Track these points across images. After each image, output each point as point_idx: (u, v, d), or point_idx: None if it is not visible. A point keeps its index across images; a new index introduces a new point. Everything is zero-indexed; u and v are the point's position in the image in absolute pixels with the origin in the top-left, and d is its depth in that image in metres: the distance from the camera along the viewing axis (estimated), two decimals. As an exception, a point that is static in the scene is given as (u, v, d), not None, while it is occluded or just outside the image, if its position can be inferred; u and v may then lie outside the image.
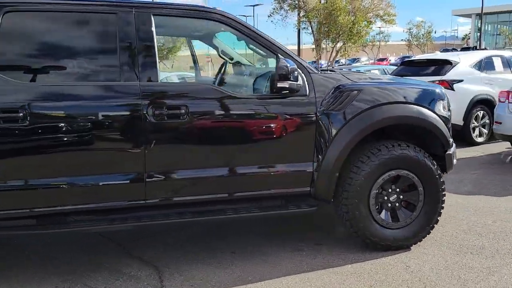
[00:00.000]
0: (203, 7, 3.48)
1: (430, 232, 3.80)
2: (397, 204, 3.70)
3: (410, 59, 10.30)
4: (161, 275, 3.38)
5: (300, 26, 29.05)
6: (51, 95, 3.04)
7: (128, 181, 3.21)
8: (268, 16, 32.75)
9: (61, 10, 3.18)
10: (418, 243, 3.78)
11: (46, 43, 3.18)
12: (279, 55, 3.39)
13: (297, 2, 27.57)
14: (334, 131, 3.48)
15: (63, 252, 3.82)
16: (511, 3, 54.68)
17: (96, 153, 3.16)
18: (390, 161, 3.57)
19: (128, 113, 3.14)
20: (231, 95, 3.35)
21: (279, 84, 3.23)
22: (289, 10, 28.84)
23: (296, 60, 3.44)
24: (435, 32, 54.00)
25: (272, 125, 3.42)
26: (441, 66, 8.28)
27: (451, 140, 3.84)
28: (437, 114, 3.74)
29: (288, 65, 3.20)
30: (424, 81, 4.75)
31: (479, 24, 53.62)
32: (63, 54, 3.19)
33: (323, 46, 30.23)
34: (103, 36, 3.22)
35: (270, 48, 3.48)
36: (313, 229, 4.25)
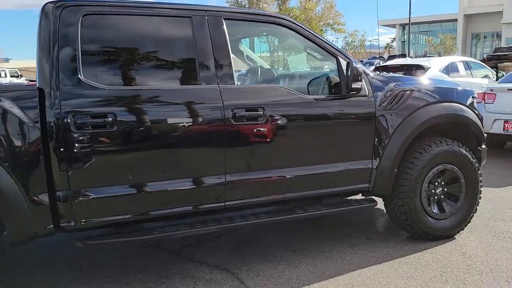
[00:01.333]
0: (272, 13, 3.56)
1: (471, 221, 4.10)
2: (442, 196, 3.97)
3: (383, 64, 10.86)
4: (237, 276, 3.39)
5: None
6: (137, 100, 2.99)
7: (210, 184, 3.20)
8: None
9: (138, 13, 3.13)
10: (461, 232, 4.07)
11: (128, 47, 3.12)
12: (339, 58, 3.56)
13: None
14: (391, 129, 3.69)
15: (121, 262, 3.70)
16: (429, 14, 58.79)
17: (181, 156, 3.13)
18: (438, 156, 3.83)
19: (210, 116, 3.14)
20: (302, 97, 3.45)
21: (354, 85, 3.39)
22: None
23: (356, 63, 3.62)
24: (368, 41, 56.65)
25: (339, 125, 3.57)
26: (415, 70, 8.84)
27: (485, 135, 4.19)
28: (473, 111, 4.07)
29: (360, 67, 3.37)
30: (453, 81, 5.10)
31: (402, 33, 57.21)
32: (144, 58, 3.15)
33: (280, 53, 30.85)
34: (181, 40, 3.22)
35: (331, 51, 3.63)
36: (352, 226, 4.43)
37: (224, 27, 3.30)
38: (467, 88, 4.33)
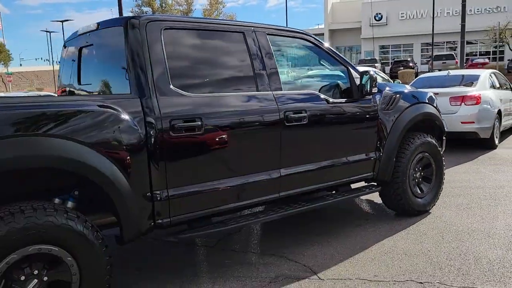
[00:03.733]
0: (299, 30, 4.14)
1: (439, 198, 5.11)
2: (420, 179, 4.91)
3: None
4: (288, 257, 3.87)
5: None
6: (216, 105, 3.35)
7: (269, 177, 3.66)
8: None
9: (206, 28, 3.50)
10: (433, 207, 5.05)
11: (202, 58, 3.45)
12: (349, 68, 4.29)
13: None
14: (389, 126, 4.51)
15: (180, 259, 3.94)
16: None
17: (250, 153, 3.55)
18: (419, 147, 4.76)
19: (270, 118, 3.61)
20: (329, 100, 4.08)
21: (374, 90, 4.13)
22: None
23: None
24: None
25: (355, 123, 4.28)
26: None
27: (445, 128, 5.26)
28: (437, 109, 5.11)
29: (374, 75, 4.13)
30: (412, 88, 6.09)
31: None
32: (215, 67, 3.51)
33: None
34: (239, 52, 3.63)
35: (342, 62, 4.34)
36: (347, 212, 5.18)
37: (268, 41, 3.81)
38: (433, 94, 5.34)
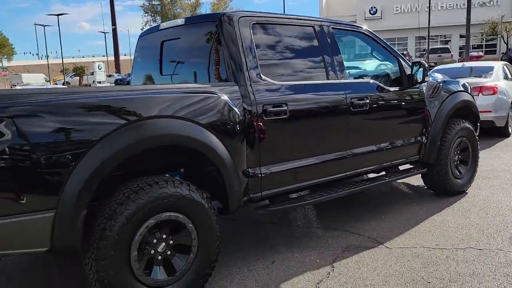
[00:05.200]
0: (357, 24, 4.52)
1: (474, 180, 5.54)
2: (458, 162, 5.33)
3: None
4: (351, 231, 4.27)
5: None
6: (298, 92, 3.73)
7: (339, 157, 4.05)
8: (141, 29, 33.47)
9: (285, 23, 3.87)
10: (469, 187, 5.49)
11: (284, 49, 3.82)
12: (399, 58, 4.69)
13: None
14: (434, 112, 4.92)
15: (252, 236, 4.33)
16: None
17: (325, 135, 3.94)
18: (459, 132, 5.17)
19: (339, 105, 4.00)
20: (386, 88, 4.47)
21: (426, 78, 4.53)
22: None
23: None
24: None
25: (407, 109, 4.69)
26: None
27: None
28: (473, 97, 5.53)
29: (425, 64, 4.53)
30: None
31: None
32: (295, 58, 3.88)
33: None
34: (311, 44, 4.01)
35: (394, 54, 4.72)
36: (390, 193, 5.59)
37: (334, 34, 4.18)
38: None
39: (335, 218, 4.65)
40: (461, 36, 49.02)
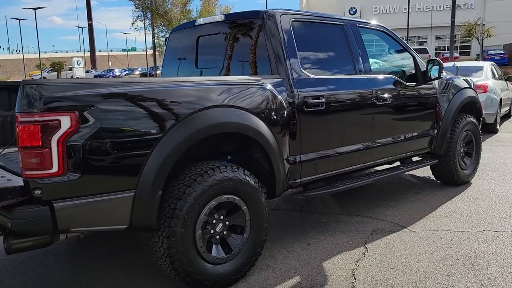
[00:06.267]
0: (379, 23, 4.82)
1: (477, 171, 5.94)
2: (464, 154, 5.70)
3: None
4: (372, 217, 4.57)
5: (153, 33, 30.43)
6: (332, 85, 4.00)
7: (367, 147, 4.34)
8: (132, 24, 33.92)
9: (320, 22, 4.14)
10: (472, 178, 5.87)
11: (319, 45, 4.09)
12: (415, 56, 5.01)
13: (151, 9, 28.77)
14: (445, 107, 5.27)
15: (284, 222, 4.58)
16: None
17: (355, 126, 4.23)
18: (466, 125, 5.54)
19: (366, 97, 4.28)
20: (405, 84, 4.78)
21: (442, 75, 4.86)
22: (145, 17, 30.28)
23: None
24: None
25: (422, 103, 5.01)
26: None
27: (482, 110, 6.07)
28: (477, 94, 5.91)
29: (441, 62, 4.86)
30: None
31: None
32: (328, 53, 4.15)
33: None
34: (341, 41, 4.28)
35: (409, 52, 5.04)
36: (400, 183, 5.93)
37: (359, 32, 4.47)
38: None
39: (355, 206, 4.94)
40: (436, 38, 50.49)
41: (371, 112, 4.34)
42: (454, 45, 50.42)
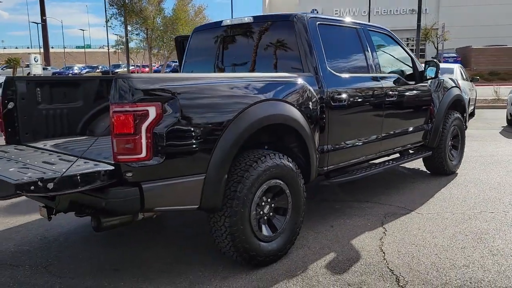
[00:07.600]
0: (384, 27, 5.30)
1: (461, 162, 6.55)
2: (451, 147, 6.30)
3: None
4: (382, 203, 5.04)
5: (126, 31, 30.52)
6: (352, 83, 4.43)
7: (377, 139, 4.81)
8: (107, 21, 33.58)
9: (339, 24, 4.57)
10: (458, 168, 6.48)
11: (342, 46, 4.51)
12: (413, 57, 5.55)
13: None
14: (437, 103, 5.83)
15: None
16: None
17: (371, 120, 4.68)
18: (454, 120, 6.14)
19: (378, 93, 4.74)
20: (407, 82, 5.29)
21: (439, 75, 5.40)
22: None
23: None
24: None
25: (420, 100, 5.54)
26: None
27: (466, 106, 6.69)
28: (462, 92, 6.52)
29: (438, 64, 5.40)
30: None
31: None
32: (349, 54, 4.59)
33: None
34: (356, 43, 4.72)
35: (409, 53, 5.57)
36: (395, 175, 6.46)
37: (370, 35, 4.94)
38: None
39: (362, 194, 5.41)
40: (394, 40, 52.53)
41: (382, 107, 4.80)
42: (410, 48, 52.90)
